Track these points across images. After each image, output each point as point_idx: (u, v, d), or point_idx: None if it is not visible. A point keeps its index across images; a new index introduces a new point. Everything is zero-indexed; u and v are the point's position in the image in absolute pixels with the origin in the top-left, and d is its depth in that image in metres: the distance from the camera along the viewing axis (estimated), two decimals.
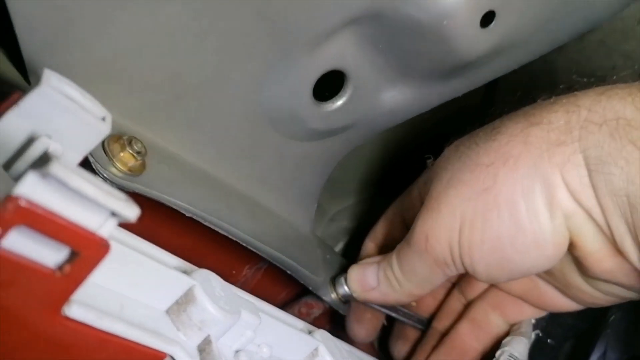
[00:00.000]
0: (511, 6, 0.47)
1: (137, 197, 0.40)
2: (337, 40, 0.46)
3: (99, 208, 0.24)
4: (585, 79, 0.64)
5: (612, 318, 0.61)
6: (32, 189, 0.22)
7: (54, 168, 0.22)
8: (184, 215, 0.42)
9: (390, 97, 0.53)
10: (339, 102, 0.50)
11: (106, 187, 0.24)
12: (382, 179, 0.82)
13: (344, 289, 0.55)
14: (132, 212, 0.24)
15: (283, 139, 0.51)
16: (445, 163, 0.50)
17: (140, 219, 0.44)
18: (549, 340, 0.63)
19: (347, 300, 0.56)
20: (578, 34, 0.59)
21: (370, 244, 0.61)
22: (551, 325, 0.62)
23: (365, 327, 0.59)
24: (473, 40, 0.48)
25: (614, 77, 0.57)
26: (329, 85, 0.50)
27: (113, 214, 0.24)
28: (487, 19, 0.46)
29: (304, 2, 0.41)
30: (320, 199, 0.61)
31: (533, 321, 0.59)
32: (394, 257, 0.51)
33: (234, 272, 0.56)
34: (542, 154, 0.42)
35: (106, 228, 0.24)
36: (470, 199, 0.44)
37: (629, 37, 0.61)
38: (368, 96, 0.52)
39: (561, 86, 0.50)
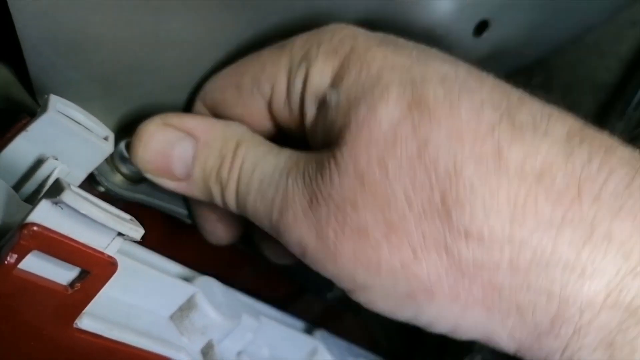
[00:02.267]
0: (505, 15, 0.48)
1: (138, 207, 0.42)
2: None
3: (107, 230, 0.26)
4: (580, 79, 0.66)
5: None
6: (45, 215, 0.24)
7: (67, 197, 0.24)
8: (184, 222, 0.44)
9: None
10: None
11: (113, 209, 0.26)
12: None
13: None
14: (137, 233, 0.26)
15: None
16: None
17: (145, 228, 0.46)
18: None
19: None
20: (572, 39, 0.60)
21: (200, 105, 0.38)
22: None
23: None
24: (466, 49, 0.49)
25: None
26: None
27: (119, 234, 0.26)
28: (481, 27, 0.47)
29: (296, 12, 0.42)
30: None
31: None
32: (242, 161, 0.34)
33: (234, 273, 0.58)
34: None
35: (113, 247, 0.26)
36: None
37: (623, 40, 0.62)
38: None
39: None
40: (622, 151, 0.29)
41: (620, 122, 0.54)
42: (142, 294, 0.34)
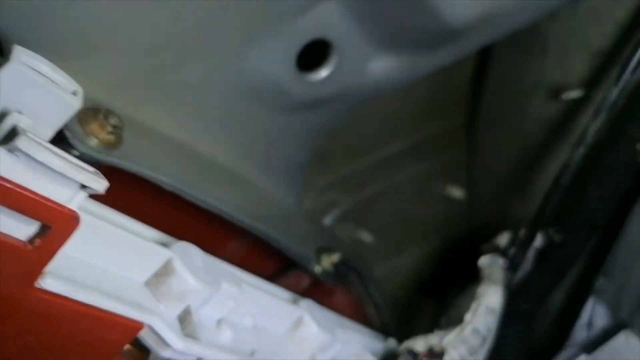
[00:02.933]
0: None
1: (117, 172, 0.40)
2: (320, 8, 0.46)
3: (67, 181, 0.24)
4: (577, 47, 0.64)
5: (597, 283, 0.61)
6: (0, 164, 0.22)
7: (21, 142, 0.22)
8: (164, 190, 0.42)
9: (376, 68, 0.52)
10: (324, 72, 0.50)
11: (74, 160, 0.24)
12: (373, 150, 0.82)
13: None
14: (99, 184, 0.24)
15: (267, 112, 0.50)
16: None
17: (121, 193, 0.44)
18: (523, 305, 0.64)
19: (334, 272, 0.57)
20: (569, 1, 0.58)
21: None
22: (525, 290, 0.63)
23: None
24: (459, 8, 0.47)
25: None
26: (314, 55, 0.50)
27: (82, 186, 0.25)
28: None
29: None
30: (308, 171, 0.61)
31: (502, 261, 0.60)
32: None
33: (219, 246, 0.57)
34: None
35: (76, 201, 0.25)
36: None
37: (620, 4, 0.60)
38: (353, 66, 0.51)
39: None
40: None
41: (616, 87, 0.53)
42: (114, 258, 0.32)
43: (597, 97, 0.60)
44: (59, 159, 0.23)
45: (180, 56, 0.43)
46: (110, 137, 0.38)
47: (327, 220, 0.75)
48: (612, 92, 0.53)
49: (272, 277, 0.60)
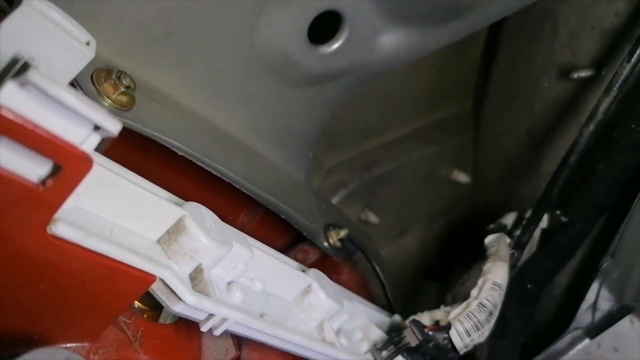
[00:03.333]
0: None
1: (127, 135, 0.40)
2: None
3: (81, 120, 0.23)
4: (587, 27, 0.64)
5: (603, 265, 0.61)
6: (12, 98, 0.22)
7: (33, 76, 0.22)
8: (177, 157, 0.42)
9: (387, 41, 0.52)
10: (335, 45, 0.50)
11: (88, 100, 0.24)
12: (380, 133, 0.82)
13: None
14: (114, 125, 0.24)
15: (277, 84, 0.50)
16: None
17: (132, 155, 0.44)
18: (528, 286, 0.63)
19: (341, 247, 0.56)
20: None
21: None
22: (530, 270, 0.62)
23: None
24: None
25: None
26: (325, 27, 0.49)
27: (96, 127, 0.24)
28: None
29: None
30: (317, 152, 0.60)
31: (508, 240, 0.59)
32: None
33: (229, 218, 0.56)
34: None
35: (90, 143, 0.24)
36: None
37: None
38: (365, 39, 0.51)
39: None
40: None
41: (628, 64, 0.52)
42: (127, 212, 0.32)
43: (607, 76, 0.60)
44: (72, 95, 0.23)
45: (191, 22, 0.42)
46: (123, 98, 0.38)
47: (335, 201, 0.75)
48: (625, 69, 0.52)
49: (280, 250, 0.59)
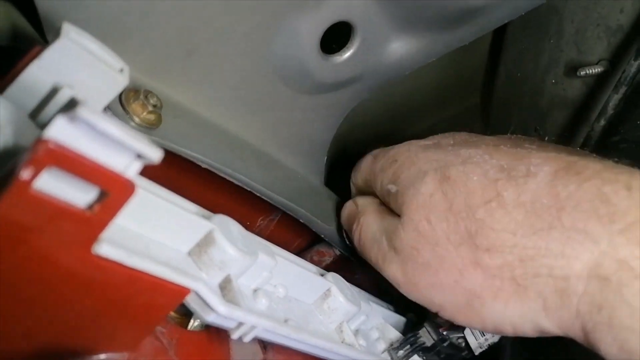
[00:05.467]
0: None
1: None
2: None
3: (125, 150, 0.25)
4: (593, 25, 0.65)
5: None
6: (61, 131, 0.24)
7: (82, 111, 0.23)
8: (200, 168, 0.44)
9: (397, 47, 0.54)
10: (347, 54, 0.51)
11: (130, 130, 0.25)
12: (389, 135, 0.83)
13: None
14: (155, 153, 0.26)
15: (292, 93, 0.52)
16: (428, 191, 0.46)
17: (161, 171, 0.46)
18: None
19: None
20: None
21: (353, 183, 0.60)
22: None
23: None
24: None
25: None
26: (337, 37, 0.51)
27: (138, 156, 0.26)
28: None
29: None
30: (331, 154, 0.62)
31: None
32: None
33: (248, 222, 0.58)
34: None
35: (132, 169, 0.26)
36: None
37: None
38: (375, 47, 0.52)
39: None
40: (594, 169, 0.40)
41: (636, 61, 0.53)
42: (161, 228, 0.34)
43: (615, 72, 0.61)
44: (117, 128, 0.24)
45: (210, 40, 0.44)
46: (151, 117, 0.39)
47: None
48: (632, 66, 0.54)
49: (297, 252, 0.61)
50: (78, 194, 0.26)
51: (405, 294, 0.47)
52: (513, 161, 0.44)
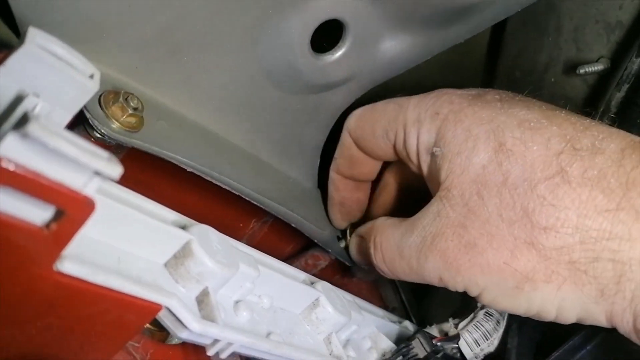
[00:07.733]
0: None
1: (138, 154, 0.40)
2: None
3: (81, 167, 0.24)
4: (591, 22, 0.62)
5: None
6: (12, 149, 0.22)
7: (33, 129, 0.22)
8: (186, 171, 0.43)
9: (390, 46, 0.52)
10: (338, 53, 0.49)
11: (89, 146, 0.24)
12: None
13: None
14: (114, 170, 0.24)
15: (282, 94, 0.50)
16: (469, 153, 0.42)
17: (142, 175, 0.45)
18: None
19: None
20: None
21: (336, 176, 0.56)
22: None
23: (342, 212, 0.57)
24: None
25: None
26: (328, 36, 0.49)
27: (96, 173, 0.25)
28: None
29: None
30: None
31: None
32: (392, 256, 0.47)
33: (241, 225, 0.57)
34: None
35: (91, 187, 0.25)
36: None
37: None
38: (368, 46, 0.50)
39: None
40: None
41: (638, 58, 0.51)
42: (134, 240, 0.32)
43: (615, 70, 0.59)
44: (71, 145, 0.23)
45: (193, 39, 0.42)
46: (131, 120, 0.38)
47: None
48: (635, 64, 0.52)
49: (289, 258, 0.60)
50: (34, 212, 0.25)
51: (445, 285, 0.43)
52: (576, 132, 0.39)
